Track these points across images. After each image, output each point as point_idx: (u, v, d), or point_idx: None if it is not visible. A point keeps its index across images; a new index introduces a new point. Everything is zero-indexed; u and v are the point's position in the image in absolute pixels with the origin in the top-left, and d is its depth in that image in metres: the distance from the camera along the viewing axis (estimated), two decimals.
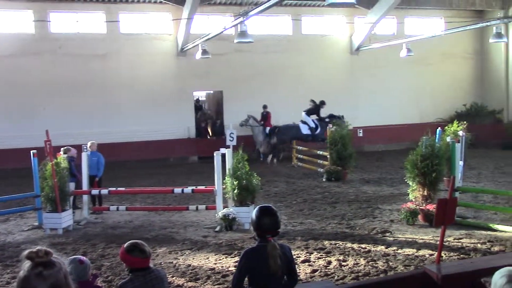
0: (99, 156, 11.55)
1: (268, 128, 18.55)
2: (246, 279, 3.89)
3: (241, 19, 12.81)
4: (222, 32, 15.44)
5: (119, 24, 18.97)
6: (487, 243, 8.02)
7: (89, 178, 10.82)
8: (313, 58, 20.88)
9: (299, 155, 17.49)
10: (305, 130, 17.70)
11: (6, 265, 7.69)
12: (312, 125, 17.74)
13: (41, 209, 10.00)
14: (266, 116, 18.89)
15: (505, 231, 8.66)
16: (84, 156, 10.75)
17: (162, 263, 7.52)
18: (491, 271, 2.63)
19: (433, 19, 22.60)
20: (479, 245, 7.94)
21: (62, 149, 10.93)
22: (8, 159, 17.04)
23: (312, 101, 18.33)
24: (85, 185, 10.67)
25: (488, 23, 17.50)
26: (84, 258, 3.75)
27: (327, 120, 17.57)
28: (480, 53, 23.44)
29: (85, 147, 11.69)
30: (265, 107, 18.99)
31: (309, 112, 18.15)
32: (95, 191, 10.71)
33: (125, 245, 3.69)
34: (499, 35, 16.55)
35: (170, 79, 19.49)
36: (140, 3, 19.15)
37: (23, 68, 17.88)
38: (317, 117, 18.13)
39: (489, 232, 8.68)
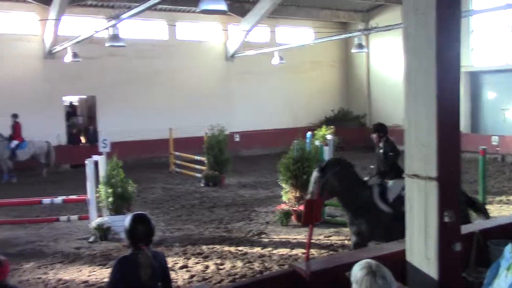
0: None
1: (15, 142, 15.87)
2: None
3: (113, 22, 12.44)
4: (93, 35, 14.86)
5: None
6: None
7: None
8: (189, 64, 20.87)
9: (177, 161, 17.34)
10: None
11: None
12: None
13: None
14: (14, 128, 15.96)
15: None
16: None
17: (30, 279, 7.05)
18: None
19: (303, 29, 23.76)
20: (346, 241, 8.49)
21: None
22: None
23: None
24: None
25: (350, 35, 18.81)
26: None
27: None
28: (345, 62, 25.08)
29: None
30: (15, 116, 15.95)
31: None
32: None
33: None
34: (360, 46, 17.86)
35: (37, 83, 18.25)
36: (2, 1, 17.68)
37: None
38: None
39: None
